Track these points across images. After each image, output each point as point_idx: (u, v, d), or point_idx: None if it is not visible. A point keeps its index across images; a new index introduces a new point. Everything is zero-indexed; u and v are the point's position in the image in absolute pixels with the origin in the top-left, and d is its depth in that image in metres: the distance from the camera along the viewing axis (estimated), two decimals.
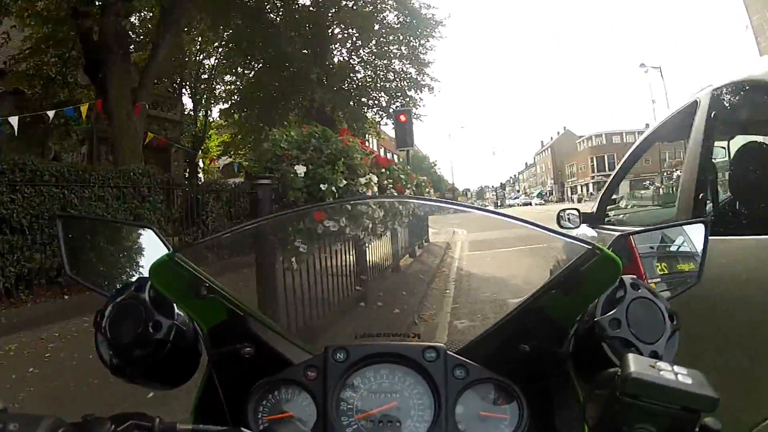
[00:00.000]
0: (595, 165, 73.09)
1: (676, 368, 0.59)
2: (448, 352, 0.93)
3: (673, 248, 0.98)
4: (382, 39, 19.28)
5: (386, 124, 21.40)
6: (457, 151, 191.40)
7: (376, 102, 20.39)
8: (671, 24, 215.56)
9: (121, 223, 1.55)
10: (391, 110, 18.50)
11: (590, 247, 0.79)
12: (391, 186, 5.51)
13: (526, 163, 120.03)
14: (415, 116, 19.49)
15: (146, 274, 0.83)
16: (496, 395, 0.90)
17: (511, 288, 6.45)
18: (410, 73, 19.96)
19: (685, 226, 0.98)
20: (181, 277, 0.83)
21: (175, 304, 0.86)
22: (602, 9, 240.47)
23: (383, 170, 5.31)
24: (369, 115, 20.98)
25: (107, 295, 0.90)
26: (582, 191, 73.91)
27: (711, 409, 0.57)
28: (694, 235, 0.95)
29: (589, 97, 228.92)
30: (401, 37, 19.12)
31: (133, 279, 0.90)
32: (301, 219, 3.24)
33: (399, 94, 19.89)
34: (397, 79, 20.14)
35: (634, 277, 0.84)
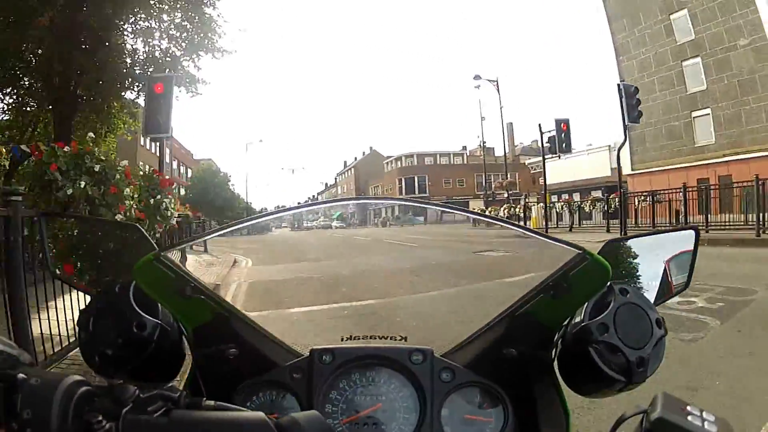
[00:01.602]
0: (404, 187, 78.31)
1: (704, 414, 0.69)
2: (435, 355, 1.07)
3: (663, 255, 1.15)
4: None
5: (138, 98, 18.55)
6: (254, 167, 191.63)
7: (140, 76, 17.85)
8: (517, 38, 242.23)
9: (106, 221, 1.53)
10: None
11: (580, 251, 0.94)
12: None
13: (326, 184, 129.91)
14: (187, 87, 18.08)
15: (131, 273, 0.93)
16: (481, 399, 1.05)
17: None
18: (193, 38, 18.20)
19: (675, 233, 1.18)
20: (166, 276, 0.94)
21: (159, 304, 0.98)
22: (431, 20, 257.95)
23: None
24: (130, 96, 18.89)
25: (92, 293, 1.03)
26: (387, 213, 78.08)
27: None
28: (684, 241, 1.15)
29: (405, 117, 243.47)
30: None
31: (118, 278, 1.01)
32: None
33: (168, 60, 17.77)
34: (172, 44, 18.24)
35: (623, 282, 1.00)
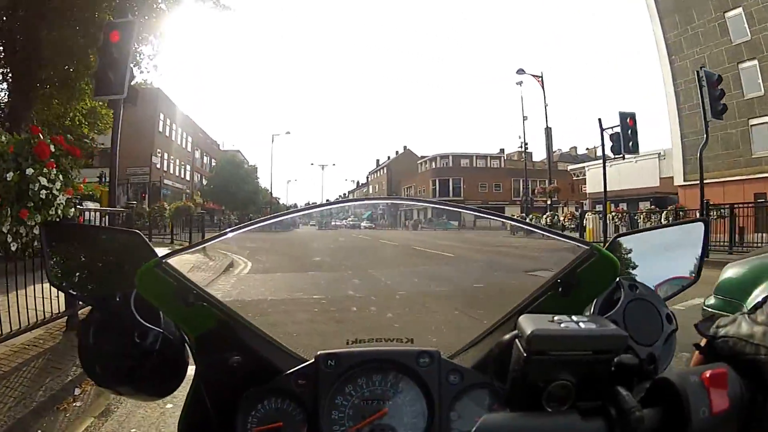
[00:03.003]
0: (438, 189, 78.23)
1: (575, 317, 0.72)
2: (442, 356, 1.09)
3: (672, 248, 1.19)
4: None
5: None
6: (281, 160, 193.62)
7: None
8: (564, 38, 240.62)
9: (106, 228, 1.62)
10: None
11: (588, 247, 0.99)
12: None
13: (358, 182, 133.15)
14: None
15: (132, 281, 0.97)
16: (490, 400, 1.07)
17: None
18: None
19: (683, 226, 1.22)
20: (168, 284, 0.98)
21: (161, 313, 1.01)
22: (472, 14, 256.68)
23: None
24: None
25: (92, 303, 1.07)
26: (419, 216, 77.79)
27: (621, 346, 0.71)
28: (693, 234, 1.19)
29: (441, 116, 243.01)
30: None
31: (119, 286, 1.05)
32: None
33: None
34: None
35: (632, 277, 1.06)
